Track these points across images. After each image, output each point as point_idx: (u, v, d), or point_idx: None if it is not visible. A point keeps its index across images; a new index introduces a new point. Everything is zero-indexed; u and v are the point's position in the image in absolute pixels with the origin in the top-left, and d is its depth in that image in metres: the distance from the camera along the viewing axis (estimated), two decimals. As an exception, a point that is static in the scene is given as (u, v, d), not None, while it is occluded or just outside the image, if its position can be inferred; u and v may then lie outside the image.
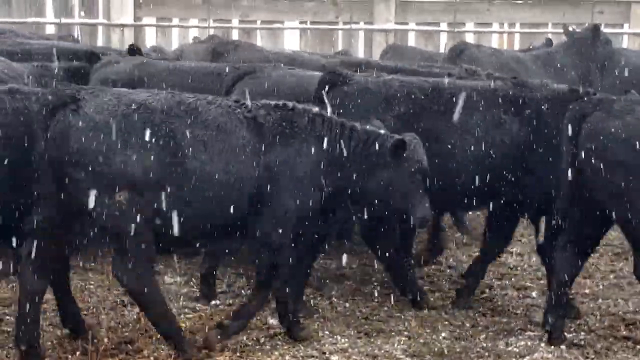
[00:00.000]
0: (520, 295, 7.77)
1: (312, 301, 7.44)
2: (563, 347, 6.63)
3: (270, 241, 6.27)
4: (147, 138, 5.90)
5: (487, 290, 7.87)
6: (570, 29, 12.03)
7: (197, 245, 6.61)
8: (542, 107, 7.20)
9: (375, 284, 8.01)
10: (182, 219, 6.01)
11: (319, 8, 16.02)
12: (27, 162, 6.08)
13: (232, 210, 6.13)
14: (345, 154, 6.40)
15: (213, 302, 7.40)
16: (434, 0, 16.11)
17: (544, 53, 11.65)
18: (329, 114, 6.55)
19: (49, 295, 7.36)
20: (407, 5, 16.01)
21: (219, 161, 6.07)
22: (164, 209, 5.95)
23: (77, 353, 6.29)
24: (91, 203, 5.84)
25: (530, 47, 13.15)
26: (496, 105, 7.21)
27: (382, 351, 6.52)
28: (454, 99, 7.18)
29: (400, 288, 7.54)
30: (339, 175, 6.39)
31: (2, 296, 7.43)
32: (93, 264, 8.35)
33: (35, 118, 6.07)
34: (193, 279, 7.97)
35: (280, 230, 6.25)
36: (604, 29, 13.54)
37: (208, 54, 10.90)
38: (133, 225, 5.89)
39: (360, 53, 15.51)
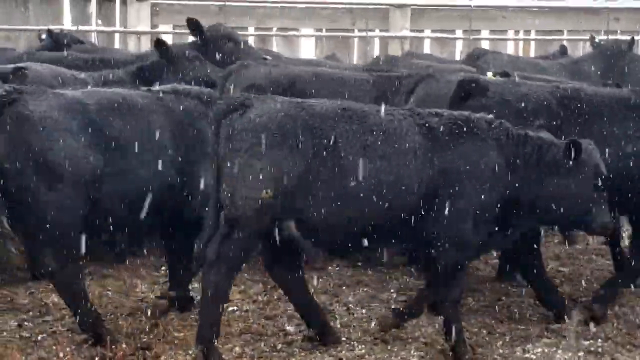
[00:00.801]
0: (537, 303, 7.75)
1: (328, 307, 7.45)
2: (580, 354, 6.62)
3: (451, 244, 6.31)
4: (306, 141, 6.08)
5: (503, 297, 7.87)
6: (597, 39, 12.03)
7: (371, 245, 6.61)
8: None
9: (392, 290, 8.01)
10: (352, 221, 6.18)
11: (334, 15, 16.06)
12: (196, 160, 6.76)
13: (404, 213, 6.20)
14: (522, 160, 6.41)
15: (230, 309, 7.42)
16: (450, 8, 16.13)
17: (570, 62, 11.64)
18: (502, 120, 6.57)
19: (62, 301, 7.42)
20: (422, 12, 16.03)
21: (391, 165, 6.17)
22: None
23: (96, 359, 6.32)
24: (238, 200, 6.05)
25: (550, 56, 13.11)
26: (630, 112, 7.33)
27: (399, 358, 6.53)
28: (593, 108, 7.25)
29: (546, 302, 7.43)
30: (514, 182, 6.38)
31: (21, 302, 7.48)
32: (111, 270, 8.39)
33: (207, 119, 6.55)
34: (210, 285, 7.99)
35: (457, 235, 6.29)
36: (619, 36, 13.56)
37: None
38: (268, 222, 6.08)
39: (375, 60, 15.51)
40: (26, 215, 6.31)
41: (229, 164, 6.11)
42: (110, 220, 6.59)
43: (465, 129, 6.36)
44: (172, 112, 6.89)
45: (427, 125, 6.33)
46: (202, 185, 6.79)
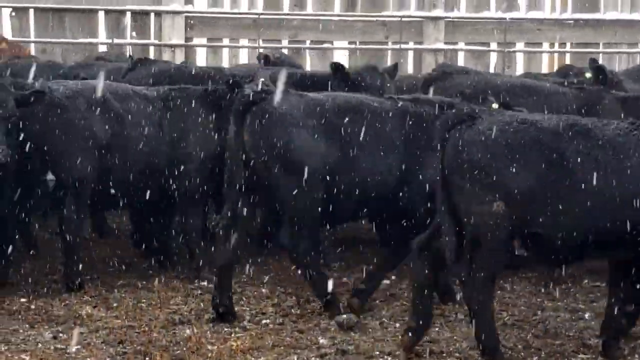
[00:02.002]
0: (573, 317, 7.68)
1: (362, 322, 7.42)
2: (617, 370, 6.56)
3: None
4: (536, 156, 6.21)
5: (539, 312, 7.80)
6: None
7: (595, 257, 6.87)
8: None
9: (426, 304, 7.95)
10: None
11: (368, 28, 16.07)
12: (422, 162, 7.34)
13: (630, 225, 6.25)
14: None
15: (263, 322, 7.42)
16: (484, 20, 16.07)
17: (636, 71, 11.58)
18: None
19: (97, 312, 7.45)
20: (456, 25, 16.00)
21: (620, 178, 6.23)
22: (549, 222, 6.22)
23: (130, 371, 6.35)
24: (470, 213, 6.23)
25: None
26: None
27: (433, 372, 6.50)
28: None
29: None
30: None
31: (56, 314, 7.50)
32: (144, 283, 8.41)
33: (435, 129, 6.81)
34: (243, 298, 7.99)
35: None
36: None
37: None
38: (503, 236, 6.20)
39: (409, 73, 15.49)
40: (268, 199, 7.29)
41: (458, 176, 6.28)
42: (338, 210, 7.40)
43: None
44: (406, 117, 7.46)
45: None
46: (423, 185, 7.32)
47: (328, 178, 7.26)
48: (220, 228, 7.34)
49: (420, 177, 7.38)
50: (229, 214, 7.28)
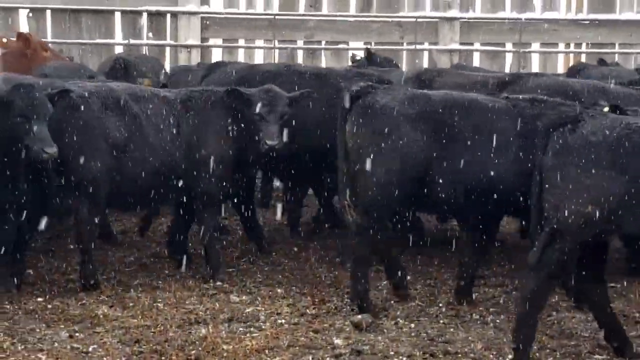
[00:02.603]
0: (589, 318, 7.65)
1: (377, 322, 7.43)
2: (632, 371, 6.55)
3: None
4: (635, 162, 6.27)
5: (554, 313, 7.79)
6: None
7: None
8: None
9: (441, 305, 7.96)
10: None
11: (383, 29, 16.06)
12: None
13: None
14: None
15: (279, 321, 7.44)
16: (500, 21, 16.04)
17: None
18: None
19: (113, 312, 7.49)
20: (471, 25, 15.97)
21: None
22: None
23: (146, 370, 6.38)
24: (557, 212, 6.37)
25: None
26: None
27: (448, 373, 6.50)
28: None
29: None
30: None
31: (72, 313, 7.54)
32: (160, 282, 8.44)
33: (537, 131, 7.20)
34: (259, 298, 8.02)
35: None
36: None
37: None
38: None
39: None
40: (359, 188, 7.51)
41: (556, 176, 6.37)
42: (432, 206, 7.90)
43: None
44: (518, 117, 7.52)
45: None
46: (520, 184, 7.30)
47: (424, 174, 7.43)
48: (350, 218, 7.65)
49: (520, 176, 7.36)
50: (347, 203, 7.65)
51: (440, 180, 7.46)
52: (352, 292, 7.71)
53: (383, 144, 7.46)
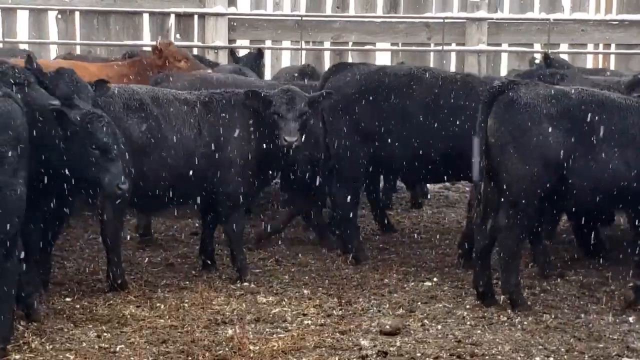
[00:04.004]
0: (617, 321, 7.61)
1: (404, 323, 7.41)
2: (662, 374, 6.49)
3: None
4: None
5: (582, 315, 7.74)
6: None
7: None
8: None
9: (468, 306, 7.93)
10: None
11: (410, 29, 16.03)
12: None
13: None
14: None
15: (305, 322, 7.44)
16: (528, 21, 15.97)
17: None
18: None
19: (140, 312, 7.51)
20: (499, 26, 15.91)
21: None
22: None
23: (172, 370, 6.39)
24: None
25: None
26: None
27: (475, 375, 6.47)
28: None
29: None
30: None
31: (100, 313, 7.57)
32: (187, 283, 8.47)
33: None
34: (285, 299, 8.02)
35: None
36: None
37: None
38: None
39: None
40: (497, 183, 7.68)
41: None
42: (568, 204, 7.89)
43: None
44: None
45: None
46: None
47: (562, 170, 7.52)
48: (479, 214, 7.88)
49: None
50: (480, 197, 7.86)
51: (580, 178, 7.56)
52: (503, 286, 7.84)
53: (526, 140, 7.54)
